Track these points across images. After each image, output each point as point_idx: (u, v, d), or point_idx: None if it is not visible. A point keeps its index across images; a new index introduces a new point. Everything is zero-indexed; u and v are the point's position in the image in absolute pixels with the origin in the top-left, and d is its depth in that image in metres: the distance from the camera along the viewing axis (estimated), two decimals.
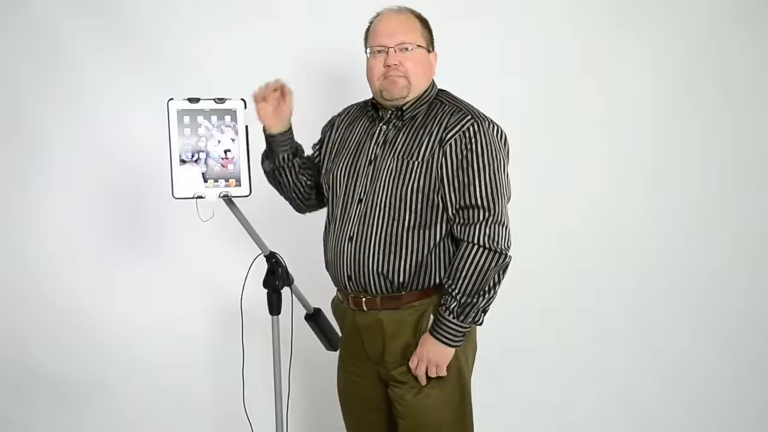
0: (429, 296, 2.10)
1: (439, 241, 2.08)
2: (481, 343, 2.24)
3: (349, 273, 2.13)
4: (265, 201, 2.32)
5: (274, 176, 2.28)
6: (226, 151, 1.99)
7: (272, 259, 2.12)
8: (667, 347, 3.14)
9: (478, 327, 2.19)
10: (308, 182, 2.31)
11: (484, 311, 2.06)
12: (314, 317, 2.32)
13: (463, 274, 2.02)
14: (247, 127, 2.03)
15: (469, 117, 2.07)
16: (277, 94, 2.14)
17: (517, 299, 2.87)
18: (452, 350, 2.07)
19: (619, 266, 3.12)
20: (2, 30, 2.96)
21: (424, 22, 2.17)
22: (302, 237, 2.58)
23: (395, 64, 2.09)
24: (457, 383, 2.13)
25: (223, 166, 1.99)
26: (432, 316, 2.09)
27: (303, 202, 2.35)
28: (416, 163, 2.06)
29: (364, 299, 2.13)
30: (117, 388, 3.04)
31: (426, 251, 2.08)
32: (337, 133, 2.29)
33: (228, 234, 2.82)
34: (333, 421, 2.57)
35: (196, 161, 1.98)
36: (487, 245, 2.02)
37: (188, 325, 3.05)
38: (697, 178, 3.12)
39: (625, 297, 3.12)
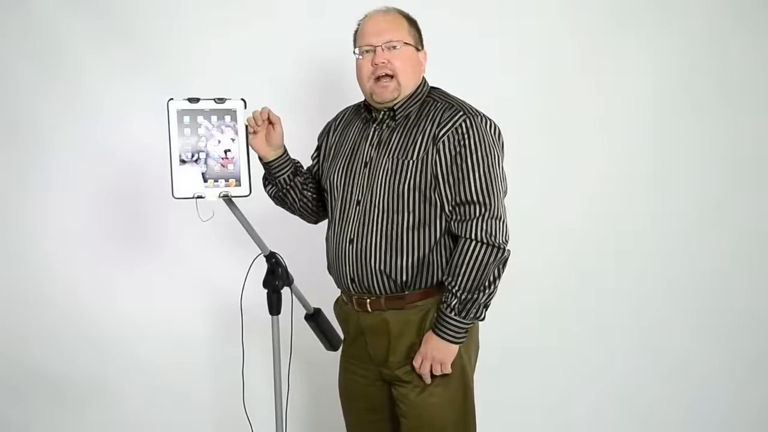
0: (432, 295, 2.10)
1: (440, 238, 2.08)
2: (482, 343, 2.24)
3: (352, 275, 2.13)
4: (265, 201, 2.33)
5: (279, 197, 2.30)
6: (226, 151, 1.99)
7: (272, 259, 2.12)
8: (667, 347, 3.14)
9: (479, 326, 2.20)
10: (313, 196, 2.32)
11: (486, 306, 2.07)
12: (314, 317, 2.32)
13: (463, 270, 2.02)
14: (247, 127, 2.03)
15: (461, 113, 2.07)
16: (265, 123, 2.13)
17: (517, 299, 2.88)
18: (456, 347, 2.07)
19: (619, 266, 3.12)
20: (2, 30, 2.96)
21: (412, 21, 2.17)
22: (302, 237, 2.59)
23: (383, 62, 2.09)
24: (460, 382, 2.14)
25: (223, 166, 1.99)
26: (435, 315, 2.09)
27: (313, 215, 2.37)
28: (411, 161, 2.07)
29: (368, 300, 2.13)
30: (117, 388, 3.04)
31: (427, 249, 2.08)
32: (333, 137, 2.30)
33: (228, 234, 2.83)
34: (333, 421, 2.57)
35: (196, 161, 1.98)
36: (484, 240, 2.02)
37: (188, 325, 3.05)
38: (697, 178, 3.12)
39: (625, 297, 3.12)
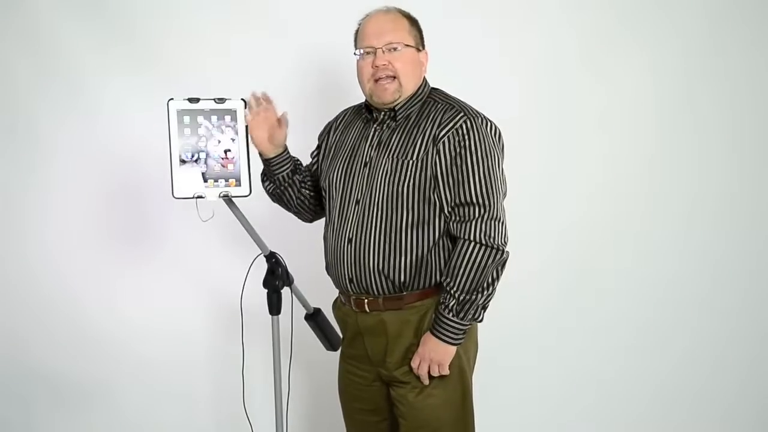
0: (430, 296, 2.10)
1: (438, 239, 2.08)
2: (482, 343, 2.24)
3: (350, 275, 2.13)
4: (265, 201, 2.33)
5: (277, 194, 2.29)
6: (226, 151, 2.00)
7: (272, 259, 2.12)
8: (667, 347, 3.14)
9: (478, 327, 2.20)
10: (311, 194, 2.32)
11: (484, 308, 2.07)
12: (314, 317, 2.32)
13: (461, 271, 2.02)
14: (247, 127, 2.03)
15: (462, 114, 2.07)
16: (266, 106, 2.13)
17: (517, 299, 2.88)
18: (454, 348, 2.07)
19: (619, 266, 3.11)
20: (2, 30, 2.96)
21: (413, 22, 2.17)
22: (302, 237, 2.59)
23: (384, 65, 2.09)
24: (459, 383, 2.13)
25: (223, 166, 2.00)
26: (433, 316, 2.09)
27: (310, 214, 2.37)
28: (411, 162, 2.06)
29: (366, 300, 2.13)
30: (117, 388, 3.04)
31: (425, 249, 2.08)
32: (334, 137, 2.30)
33: (228, 234, 2.83)
34: (333, 421, 2.57)
35: (196, 161, 1.98)
36: (483, 241, 2.02)
37: (188, 325, 3.05)
38: (697, 178, 3.12)
39: (625, 297, 3.12)
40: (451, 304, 2.03)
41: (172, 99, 1.98)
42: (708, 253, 3.14)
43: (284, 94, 2.43)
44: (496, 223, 2.04)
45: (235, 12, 2.95)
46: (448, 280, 2.04)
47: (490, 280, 2.04)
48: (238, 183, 2.00)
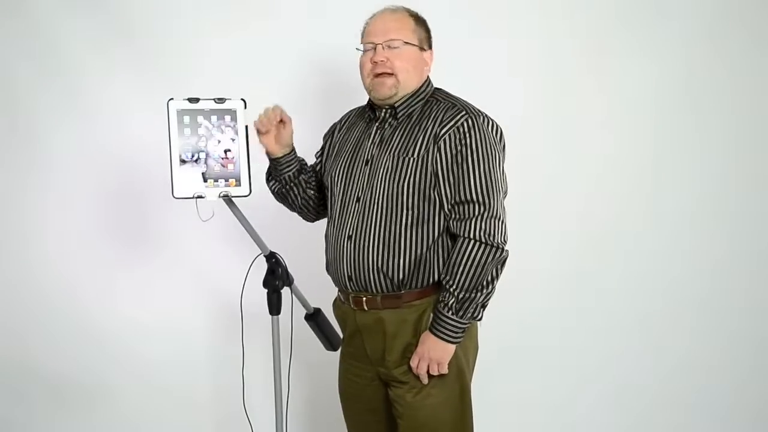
0: (429, 295, 2.10)
1: (438, 237, 2.08)
2: (481, 343, 2.23)
3: (349, 272, 2.13)
4: (265, 201, 2.32)
5: (282, 194, 2.30)
6: (226, 151, 1.99)
7: (272, 259, 2.12)
8: (668, 347, 3.14)
9: (478, 327, 2.20)
10: (316, 194, 2.32)
11: (483, 306, 2.07)
12: (314, 317, 2.32)
13: (460, 269, 2.02)
14: (247, 127, 2.03)
15: (464, 112, 2.07)
16: (276, 124, 2.15)
17: (518, 299, 2.88)
18: (453, 347, 2.07)
19: (619, 266, 3.12)
20: (2, 30, 2.96)
21: (420, 22, 2.18)
22: (302, 237, 2.59)
23: (382, 60, 2.10)
24: (457, 383, 2.13)
25: (223, 166, 1.99)
26: (432, 315, 2.09)
27: (313, 213, 2.38)
28: (411, 159, 2.07)
29: (364, 299, 2.13)
30: (117, 388, 3.04)
31: (424, 247, 2.08)
32: (338, 137, 2.31)
33: (228, 234, 2.82)
34: (333, 421, 2.57)
35: (196, 161, 1.98)
36: (483, 240, 2.02)
37: (188, 325, 3.05)
38: (698, 178, 3.12)
39: (626, 297, 3.12)
40: (451, 302, 2.03)
41: (172, 99, 1.98)
42: (708, 253, 3.14)
43: (284, 94, 2.44)
44: (496, 221, 2.04)
45: (235, 12, 2.95)
46: (448, 278, 2.04)
47: (489, 278, 2.04)
48: (238, 183, 2.00)
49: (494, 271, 2.05)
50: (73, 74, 2.98)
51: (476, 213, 2.03)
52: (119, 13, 2.95)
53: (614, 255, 3.11)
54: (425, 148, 2.07)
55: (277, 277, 2.10)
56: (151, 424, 3.04)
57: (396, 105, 2.14)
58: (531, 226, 2.88)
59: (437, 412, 2.12)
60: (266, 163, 2.26)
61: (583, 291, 3.10)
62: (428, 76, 2.20)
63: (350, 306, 2.18)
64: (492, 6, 2.98)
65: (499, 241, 2.04)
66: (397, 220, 2.07)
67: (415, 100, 2.15)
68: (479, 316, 2.08)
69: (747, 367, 3.18)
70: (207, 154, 1.99)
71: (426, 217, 2.07)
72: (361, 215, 2.11)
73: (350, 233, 2.12)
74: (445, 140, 2.05)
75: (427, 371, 2.08)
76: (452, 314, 2.03)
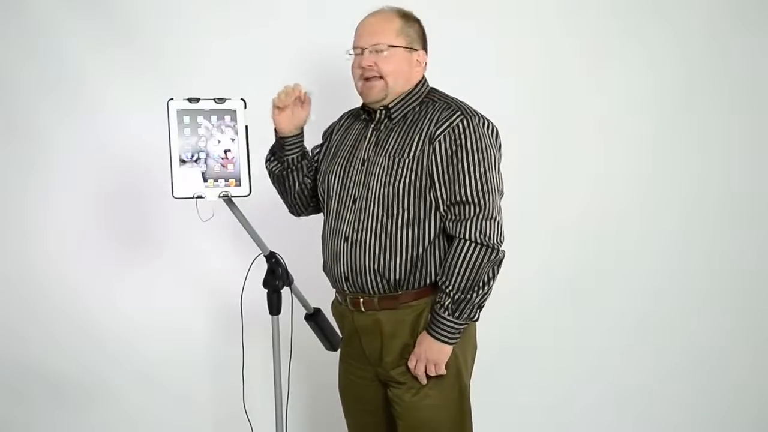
0: (426, 295, 2.10)
1: (434, 238, 2.08)
2: (480, 343, 2.24)
3: (346, 274, 2.13)
4: (265, 201, 2.32)
5: (281, 176, 2.28)
6: (226, 151, 1.99)
7: (272, 259, 2.12)
8: (667, 347, 3.14)
9: (477, 327, 2.20)
10: (312, 184, 2.32)
11: (480, 307, 2.07)
12: (314, 317, 2.32)
13: (457, 270, 2.02)
14: (246, 126, 2.03)
15: (459, 113, 2.07)
16: (295, 101, 2.15)
17: (516, 299, 2.88)
18: (450, 348, 2.07)
19: (618, 266, 3.12)
20: (2, 30, 2.96)
21: (411, 21, 2.17)
22: (302, 237, 2.58)
23: (369, 65, 2.11)
24: (455, 383, 2.13)
25: (223, 166, 1.99)
26: (429, 315, 2.09)
27: (303, 205, 2.36)
28: (407, 160, 2.07)
29: (361, 300, 2.13)
30: (117, 388, 3.04)
31: (421, 248, 2.08)
32: (335, 138, 2.31)
33: (228, 234, 2.83)
34: (333, 421, 2.58)
35: (196, 161, 1.98)
36: (478, 240, 2.02)
37: (188, 325, 3.05)
38: (697, 178, 3.12)
39: (625, 297, 3.12)
40: (447, 303, 2.03)
41: (172, 99, 1.98)
42: (708, 253, 3.14)
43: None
44: (492, 222, 2.04)
45: (235, 12, 2.95)
46: (444, 279, 2.04)
47: (485, 279, 2.04)
48: (238, 183, 2.00)
49: (490, 271, 2.05)
50: (73, 74, 2.98)
51: (472, 214, 2.03)
52: (119, 13, 2.95)
53: (613, 255, 3.11)
54: (420, 148, 2.07)
55: (277, 277, 2.11)
56: (150, 424, 3.04)
57: (390, 106, 2.14)
58: (529, 226, 2.88)
59: (436, 413, 2.12)
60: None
61: (582, 291, 3.10)
62: (423, 76, 2.19)
63: (348, 307, 2.18)
64: (486, 7, 2.97)
65: (495, 242, 2.04)
66: (393, 221, 2.07)
67: (410, 101, 2.15)
68: (476, 317, 2.08)
69: (747, 367, 3.18)
70: (207, 154, 1.99)
71: (422, 217, 2.07)
72: (358, 216, 2.11)
73: (347, 234, 2.12)
74: (440, 141, 2.05)
75: (425, 372, 2.08)
76: (448, 315, 2.03)
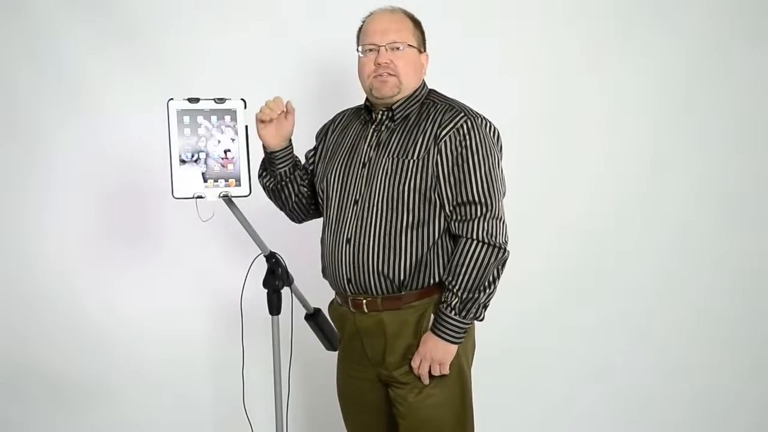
0: (429, 295, 2.10)
1: (438, 239, 2.08)
2: (481, 343, 2.24)
3: (348, 275, 2.13)
4: (265, 201, 2.33)
5: (276, 190, 2.28)
6: (226, 151, 1.99)
7: (272, 259, 2.11)
8: (667, 347, 3.14)
9: (477, 325, 2.20)
10: (308, 192, 2.32)
11: (485, 306, 2.07)
12: (314, 317, 2.31)
13: (464, 269, 2.03)
14: (247, 126, 2.02)
15: (462, 114, 2.08)
16: (280, 113, 2.14)
17: (517, 299, 2.88)
18: (455, 347, 2.07)
19: (619, 266, 3.12)
20: (2, 30, 2.96)
21: (417, 23, 2.18)
22: (302, 237, 2.58)
23: (386, 63, 2.10)
24: (458, 382, 2.14)
25: (223, 166, 1.99)
26: (432, 316, 2.09)
27: (303, 213, 2.36)
28: (411, 161, 2.07)
29: (364, 301, 2.13)
30: (117, 388, 3.04)
31: (425, 249, 2.08)
32: (332, 139, 2.30)
33: (228, 234, 2.83)
34: (333, 421, 2.57)
35: (196, 161, 1.98)
36: (485, 240, 2.03)
37: (188, 325, 3.05)
38: (698, 178, 3.12)
39: (626, 297, 3.12)
40: (454, 302, 2.03)
41: (172, 99, 1.97)
42: (708, 254, 3.14)
43: (284, 94, 2.44)
44: (498, 221, 2.05)
45: (235, 12, 2.95)
46: (450, 278, 2.04)
47: (491, 278, 2.05)
48: (238, 183, 2.00)
49: (496, 271, 2.06)
50: (73, 74, 2.98)
51: (478, 214, 2.04)
52: (119, 14, 2.95)
53: (614, 255, 3.11)
54: (425, 149, 2.07)
55: (277, 277, 2.10)
56: (151, 425, 3.03)
57: (393, 107, 2.14)
58: (530, 226, 2.88)
59: (439, 412, 2.12)
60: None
61: (583, 291, 3.10)
62: (423, 79, 2.20)
63: (349, 308, 2.18)
64: (490, 5, 2.97)
65: (501, 242, 2.05)
66: (397, 223, 2.07)
67: (412, 102, 2.15)
68: (481, 317, 2.08)
69: (747, 367, 3.18)
70: (207, 154, 1.98)
71: (426, 218, 2.07)
72: (360, 218, 2.11)
73: (349, 236, 2.12)
74: (445, 142, 2.05)
75: (429, 372, 2.08)
76: (455, 315, 2.04)
